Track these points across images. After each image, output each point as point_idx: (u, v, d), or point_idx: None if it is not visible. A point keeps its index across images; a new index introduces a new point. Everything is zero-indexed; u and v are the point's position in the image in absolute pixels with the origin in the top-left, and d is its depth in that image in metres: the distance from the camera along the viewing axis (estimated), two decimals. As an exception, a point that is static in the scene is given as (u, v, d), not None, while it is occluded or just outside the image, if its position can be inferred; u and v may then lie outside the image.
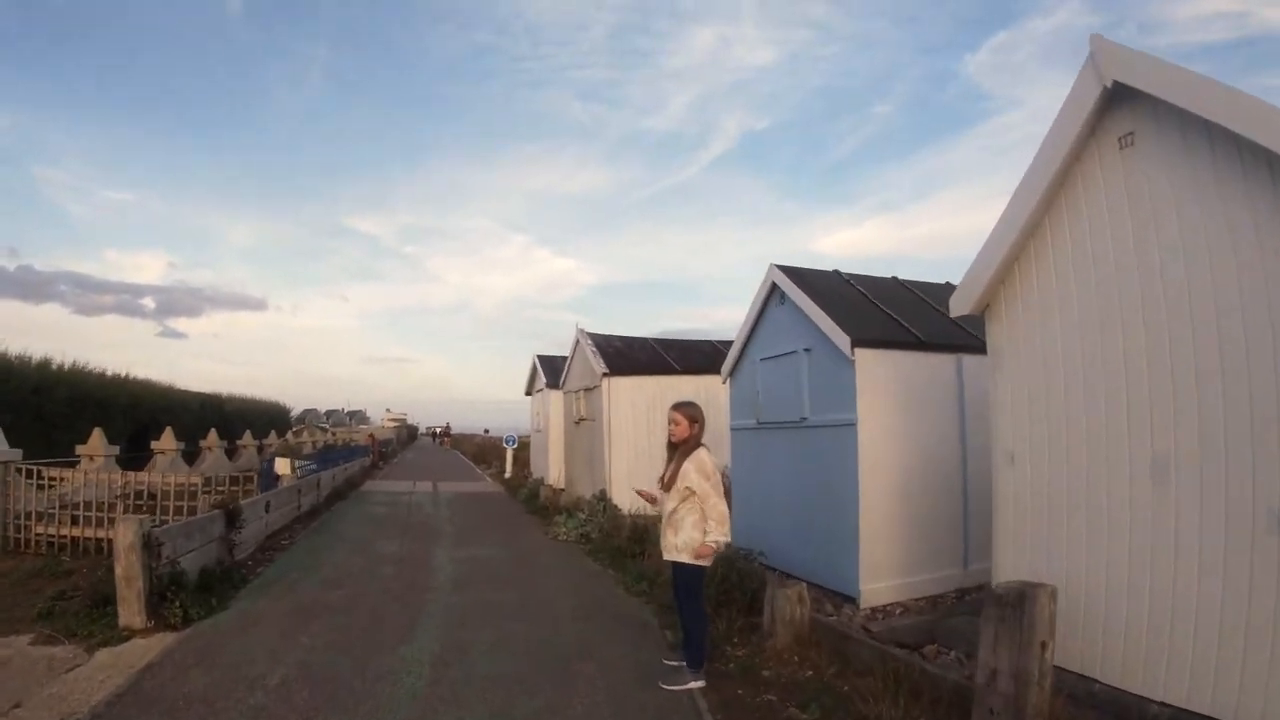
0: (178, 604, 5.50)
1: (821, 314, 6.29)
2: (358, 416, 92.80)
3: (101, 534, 8.67)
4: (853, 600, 5.92)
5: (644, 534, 8.12)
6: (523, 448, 21.53)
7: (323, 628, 5.46)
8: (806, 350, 6.55)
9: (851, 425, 5.96)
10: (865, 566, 5.91)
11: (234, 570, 6.91)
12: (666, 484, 4.42)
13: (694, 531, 4.30)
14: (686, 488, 4.29)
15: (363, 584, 6.88)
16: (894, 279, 8.10)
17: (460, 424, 69.74)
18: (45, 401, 14.51)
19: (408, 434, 58.69)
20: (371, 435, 31.25)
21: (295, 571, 7.34)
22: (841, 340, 6.01)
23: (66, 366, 16.80)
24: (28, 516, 8.40)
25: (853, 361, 5.95)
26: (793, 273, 6.97)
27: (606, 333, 12.33)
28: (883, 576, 6.00)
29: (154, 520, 8.16)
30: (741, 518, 6.82)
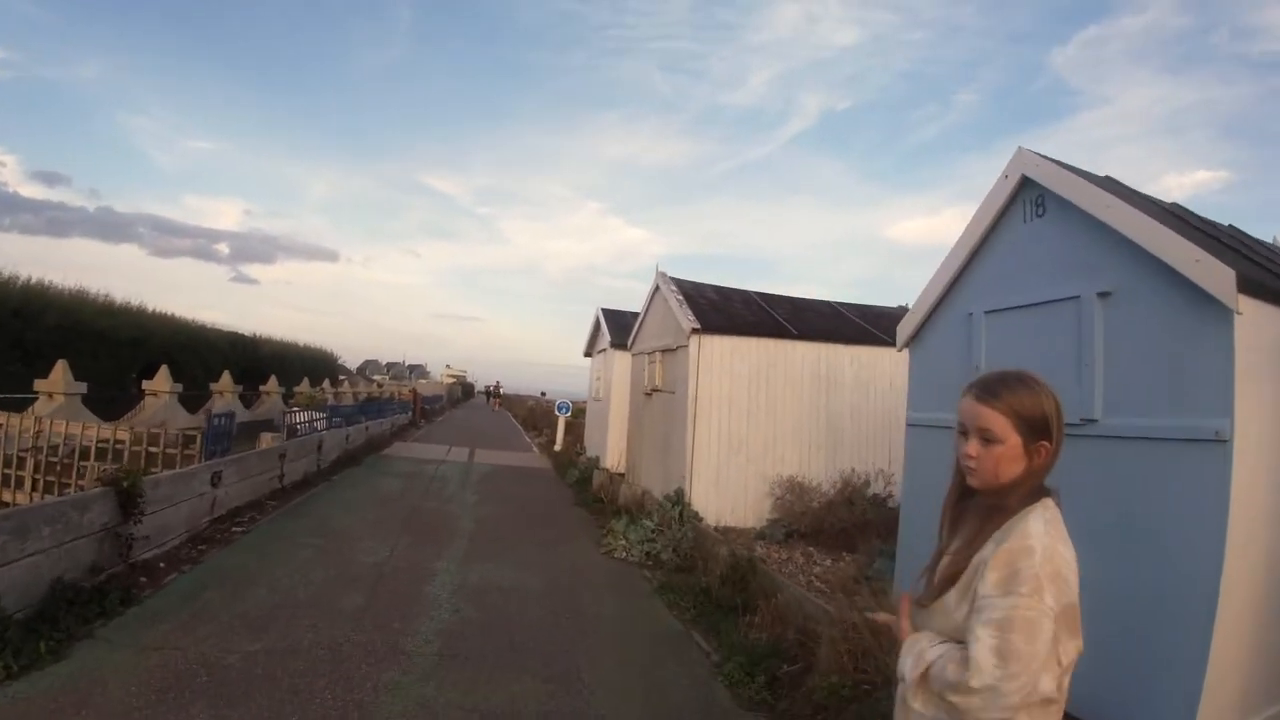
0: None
1: (1156, 227, 3.31)
2: (418, 371, 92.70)
3: (8, 498, 6.55)
4: (1170, 767, 3.05)
5: (747, 575, 5.32)
6: (577, 415, 18.96)
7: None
8: (1102, 295, 3.57)
9: (1218, 443, 3.00)
10: (1209, 708, 3.01)
11: (116, 582, 4.39)
12: (937, 583, 1.55)
13: None
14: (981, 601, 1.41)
15: (301, 629, 4.20)
16: (1175, 206, 5.00)
17: (519, 384, 68.12)
18: (27, 327, 12.38)
19: (462, 391, 57.01)
20: (413, 390, 29.10)
21: (216, 588, 4.77)
22: (1211, 278, 3.03)
23: (67, 291, 14.68)
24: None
25: (1234, 316, 2.99)
26: (1064, 168, 3.99)
27: (695, 280, 9.33)
28: (1224, 723, 3.12)
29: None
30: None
